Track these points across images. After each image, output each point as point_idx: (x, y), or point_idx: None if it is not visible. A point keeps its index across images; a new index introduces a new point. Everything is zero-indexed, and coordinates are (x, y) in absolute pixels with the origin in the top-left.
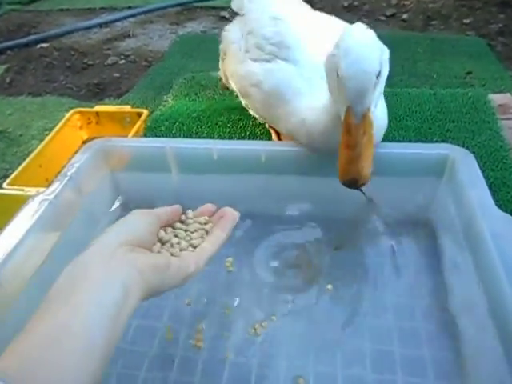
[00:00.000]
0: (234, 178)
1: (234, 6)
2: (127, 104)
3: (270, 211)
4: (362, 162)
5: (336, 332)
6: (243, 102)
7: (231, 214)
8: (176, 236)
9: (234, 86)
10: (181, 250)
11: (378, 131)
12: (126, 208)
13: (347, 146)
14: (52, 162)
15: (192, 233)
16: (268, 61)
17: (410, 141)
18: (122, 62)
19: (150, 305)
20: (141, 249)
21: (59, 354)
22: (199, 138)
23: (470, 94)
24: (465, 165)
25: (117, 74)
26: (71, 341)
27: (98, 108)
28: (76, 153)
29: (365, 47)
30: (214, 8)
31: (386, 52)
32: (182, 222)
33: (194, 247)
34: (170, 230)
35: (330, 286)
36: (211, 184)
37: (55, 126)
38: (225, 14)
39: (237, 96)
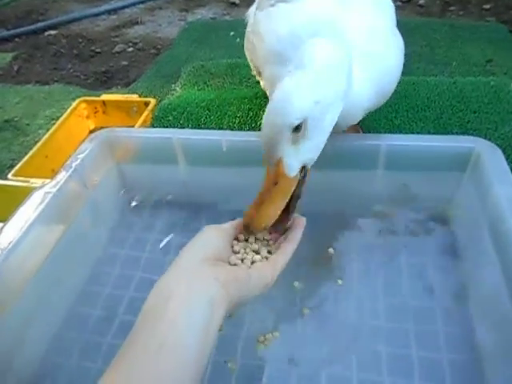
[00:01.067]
0: (244, 171)
1: None
2: (135, 93)
3: None
4: (259, 212)
5: (350, 334)
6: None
7: (299, 221)
8: (248, 248)
9: (247, 53)
10: (253, 262)
11: (352, 110)
12: (131, 200)
13: (260, 190)
14: (58, 152)
15: (263, 243)
16: (272, 4)
17: (428, 132)
18: (130, 49)
19: None
20: (220, 262)
21: (158, 369)
22: (208, 128)
23: (492, 83)
24: (491, 159)
25: (125, 62)
26: (169, 356)
27: (105, 97)
28: (82, 143)
29: (284, 97)
30: None
31: (322, 102)
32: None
33: (267, 257)
34: (241, 243)
35: (340, 282)
36: (221, 177)
37: (62, 115)
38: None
39: (249, 85)
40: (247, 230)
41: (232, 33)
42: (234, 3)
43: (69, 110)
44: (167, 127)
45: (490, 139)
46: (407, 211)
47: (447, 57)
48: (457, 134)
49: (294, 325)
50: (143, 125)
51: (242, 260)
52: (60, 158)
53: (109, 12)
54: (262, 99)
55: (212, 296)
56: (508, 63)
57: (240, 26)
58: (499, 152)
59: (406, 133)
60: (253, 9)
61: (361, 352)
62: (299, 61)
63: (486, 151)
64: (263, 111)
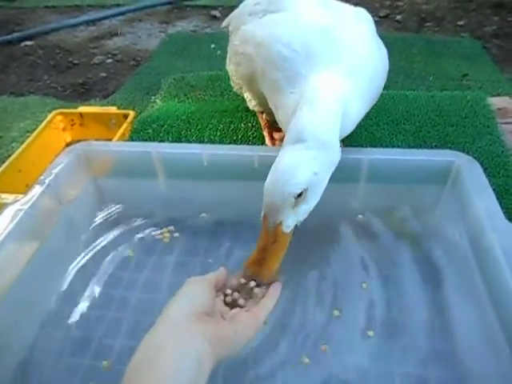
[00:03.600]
0: (225, 185)
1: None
2: (114, 105)
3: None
4: (262, 267)
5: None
6: (243, 90)
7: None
8: (231, 298)
9: (232, 67)
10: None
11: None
12: (109, 216)
13: (257, 246)
14: (33, 166)
15: (245, 294)
16: (260, 17)
17: (408, 145)
18: (109, 61)
19: None
20: (206, 317)
21: None
22: (188, 141)
23: (468, 97)
24: (471, 173)
25: (103, 74)
26: None
27: (82, 109)
28: (57, 157)
29: (288, 168)
30: (205, 7)
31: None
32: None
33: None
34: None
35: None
36: (201, 191)
37: (38, 127)
38: (216, 13)
39: (230, 97)
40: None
41: (213, 45)
42: (214, 16)
43: (44, 123)
44: (146, 140)
45: (467, 152)
46: (389, 223)
47: (424, 71)
48: (436, 147)
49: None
50: (122, 138)
51: (229, 310)
52: (34, 172)
53: (87, 23)
54: (244, 112)
55: (199, 353)
56: (482, 78)
57: (221, 39)
58: (478, 166)
59: (387, 145)
60: (234, 23)
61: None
62: (305, 98)
63: (466, 165)
64: (244, 124)
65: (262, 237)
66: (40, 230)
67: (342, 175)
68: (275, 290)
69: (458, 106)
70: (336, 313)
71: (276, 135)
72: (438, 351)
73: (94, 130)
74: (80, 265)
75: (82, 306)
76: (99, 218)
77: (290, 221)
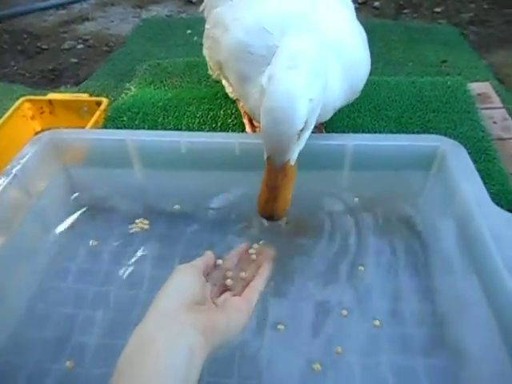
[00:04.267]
0: (203, 174)
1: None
2: (86, 92)
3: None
4: (278, 203)
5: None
6: (216, 72)
7: (267, 253)
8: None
9: (206, 52)
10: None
11: (352, 91)
12: (82, 208)
13: (266, 185)
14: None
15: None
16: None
17: (391, 131)
18: (80, 46)
19: None
20: (197, 306)
21: None
22: (165, 129)
23: (449, 82)
24: (457, 158)
25: (74, 60)
26: None
27: (52, 96)
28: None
29: (287, 106)
30: None
31: (316, 97)
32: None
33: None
34: (214, 278)
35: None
36: (179, 181)
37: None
38: None
39: (208, 84)
40: (271, 220)
41: (189, 31)
42: (190, 1)
43: (11, 110)
44: (121, 128)
45: (449, 138)
46: (374, 210)
47: (403, 57)
48: (418, 132)
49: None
50: (95, 126)
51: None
52: (1, 163)
53: (57, 7)
54: (223, 99)
55: (191, 345)
56: (461, 64)
57: (197, 24)
58: (463, 150)
59: (369, 132)
60: (208, 6)
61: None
62: (276, 58)
63: (451, 150)
64: (223, 111)
65: (269, 177)
66: (8, 223)
67: (325, 162)
68: (265, 270)
69: (438, 92)
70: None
71: (256, 123)
72: (429, 337)
73: (64, 118)
74: (51, 260)
75: (55, 304)
76: (70, 209)
77: (296, 154)
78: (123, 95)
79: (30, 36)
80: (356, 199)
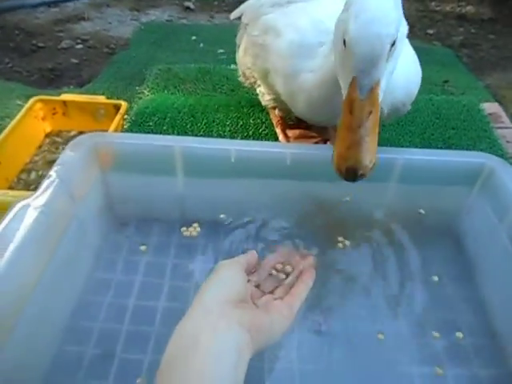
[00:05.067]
0: (251, 183)
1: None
2: (94, 94)
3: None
4: (364, 149)
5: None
6: (258, 80)
7: (310, 260)
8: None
9: (248, 60)
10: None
11: (410, 89)
12: (120, 217)
13: (348, 127)
14: (12, 158)
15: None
16: (286, 7)
17: (416, 146)
18: (79, 46)
19: None
20: (242, 303)
21: None
22: (196, 136)
23: (463, 102)
24: (505, 173)
25: (75, 60)
26: None
27: (66, 96)
28: (65, 150)
29: (381, 6)
30: None
31: (403, 23)
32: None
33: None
34: (254, 278)
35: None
36: (225, 190)
37: (7, 115)
38: (189, 4)
39: (223, 92)
40: (353, 177)
41: (194, 37)
42: (188, 7)
43: (23, 111)
44: (149, 133)
45: None
46: (419, 225)
47: None
48: (442, 148)
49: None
50: (116, 130)
51: (262, 295)
52: (14, 165)
53: (48, 4)
54: (249, 108)
55: (238, 343)
56: (462, 84)
57: (202, 31)
58: (510, 167)
59: (396, 146)
60: (252, 13)
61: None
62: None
63: (498, 166)
64: (253, 120)
65: (354, 110)
66: (56, 231)
67: (374, 174)
68: (308, 278)
69: (455, 110)
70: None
71: (289, 132)
72: (481, 348)
73: (78, 120)
74: (89, 272)
75: (99, 318)
76: (108, 218)
77: (384, 80)
78: (136, 99)
79: (23, 33)
80: (401, 212)
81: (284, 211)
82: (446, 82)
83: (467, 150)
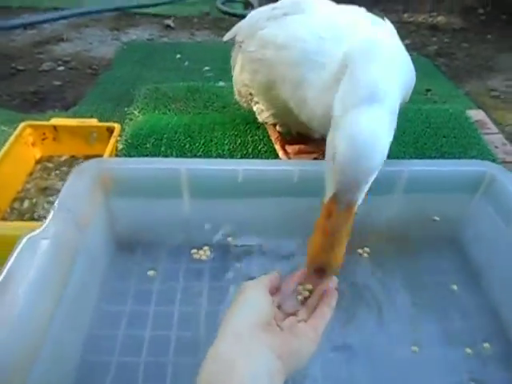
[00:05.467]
0: (258, 202)
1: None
2: (81, 116)
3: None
4: (334, 253)
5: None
6: (255, 95)
7: (333, 281)
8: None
9: (245, 77)
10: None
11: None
12: (126, 244)
13: (323, 231)
14: (3, 187)
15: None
16: (281, 21)
17: (410, 156)
18: (61, 68)
19: None
20: (270, 327)
21: None
22: (195, 156)
23: (450, 110)
24: (507, 180)
25: (57, 82)
26: None
27: (56, 121)
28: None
29: (369, 143)
30: (155, 16)
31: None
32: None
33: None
34: (280, 297)
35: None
36: (233, 211)
37: None
38: (169, 22)
39: (215, 110)
40: (321, 274)
41: (178, 55)
42: (168, 25)
43: (13, 137)
44: (147, 155)
45: None
46: (424, 234)
47: None
48: (435, 157)
49: None
50: (112, 154)
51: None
52: (6, 194)
53: (24, 26)
54: (245, 125)
55: (271, 370)
56: (443, 92)
57: (185, 49)
58: (510, 173)
59: (391, 156)
60: (246, 30)
61: None
62: (349, 81)
63: (499, 173)
64: (251, 137)
65: (330, 220)
66: (65, 262)
67: (379, 187)
68: (331, 299)
69: (444, 119)
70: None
71: (289, 148)
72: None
73: (69, 145)
74: (98, 303)
75: (112, 352)
76: (115, 246)
77: (362, 198)
78: (127, 120)
79: (0, 55)
80: (406, 223)
81: (294, 228)
82: (428, 90)
83: (459, 157)
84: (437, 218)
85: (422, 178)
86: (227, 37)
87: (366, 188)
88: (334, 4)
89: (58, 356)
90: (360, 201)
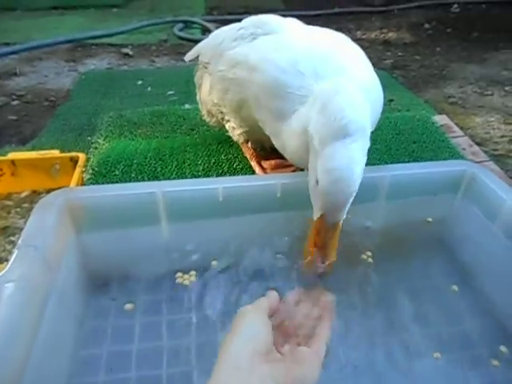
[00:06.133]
0: (241, 220)
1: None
2: (40, 149)
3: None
4: (327, 260)
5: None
6: (226, 113)
7: (328, 301)
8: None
9: (215, 96)
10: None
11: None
12: (101, 280)
13: (315, 244)
14: None
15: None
16: (250, 41)
17: (385, 162)
18: (16, 102)
19: None
20: (270, 355)
21: None
22: (168, 179)
23: (417, 116)
24: (489, 177)
25: (12, 117)
26: None
27: (14, 155)
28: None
29: (347, 171)
30: (112, 45)
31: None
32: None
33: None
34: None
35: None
36: (215, 231)
37: None
38: (127, 50)
39: (184, 132)
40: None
41: (140, 81)
42: (127, 54)
43: None
44: (117, 183)
45: None
46: (411, 237)
47: None
48: (408, 161)
49: None
50: (78, 185)
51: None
52: None
53: None
54: (217, 145)
55: None
56: (404, 102)
57: (146, 75)
58: (489, 171)
59: (367, 164)
60: (211, 50)
61: None
62: (323, 112)
63: (479, 171)
64: (225, 156)
65: (319, 236)
66: (35, 304)
67: (363, 195)
68: (329, 319)
69: (412, 125)
70: None
71: (265, 164)
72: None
73: (29, 179)
74: (77, 346)
75: None
76: (88, 284)
77: (345, 214)
78: (92, 149)
79: None
80: (392, 228)
81: (280, 243)
82: (391, 100)
83: (432, 161)
84: (430, 220)
85: (404, 182)
86: (189, 57)
87: (347, 207)
88: (301, 24)
89: None
90: (343, 217)
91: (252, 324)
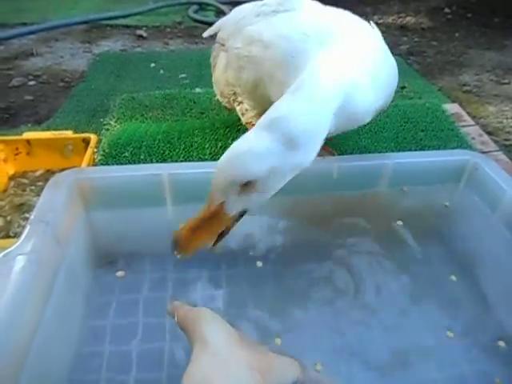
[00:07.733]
0: None
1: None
2: (55, 129)
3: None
4: (195, 236)
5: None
6: (240, 94)
7: None
8: None
9: (230, 76)
10: None
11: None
12: (108, 257)
13: (198, 215)
14: None
15: None
16: (271, 18)
17: (392, 151)
18: (32, 83)
19: None
20: (246, 342)
21: None
22: (175, 162)
23: (427, 104)
24: (491, 168)
25: (29, 97)
26: None
27: (29, 135)
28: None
29: (240, 158)
30: (127, 27)
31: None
32: None
33: None
34: None
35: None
36: None
37: None
38: (142, 32)
39: (194, 116)
40: (175, 248)
41: (153, 64)
42: (141, 36)
43: None
44: (126, 164)
45: None
46: (412, 224)
47: None
48: (415, 150)
49: None
50: (89, 165)
51: None
52: None
53: None
54: (225, 129)
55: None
56: (418, 89)
57: (159, 58)
58: (492, 161)
59: (374, 152)
60: (230, 26)
61: None
62: (299, 80)
63: (482, 161)
64: (232, 140)
65: (203, 208)
66: (45, 278)
67: (366, 181)
68: None
69: (421, 113)
70: None
71: None
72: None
73: (44, 158)
74: (84, 319)
75: (98, 368)
76: (96, 259)
77: (233, 205)
78: (104, 131)
79: None
80: (395, 214)
81: (282, 229)
82: (403, 87)
83: (439, 149)
84: (447, 204)
85: (407, 170)
86: (208, 32)
87: (244, 200)
88: (321, 5)
89: (43, 374)
90: (232, 207)
91: (217, 317)
